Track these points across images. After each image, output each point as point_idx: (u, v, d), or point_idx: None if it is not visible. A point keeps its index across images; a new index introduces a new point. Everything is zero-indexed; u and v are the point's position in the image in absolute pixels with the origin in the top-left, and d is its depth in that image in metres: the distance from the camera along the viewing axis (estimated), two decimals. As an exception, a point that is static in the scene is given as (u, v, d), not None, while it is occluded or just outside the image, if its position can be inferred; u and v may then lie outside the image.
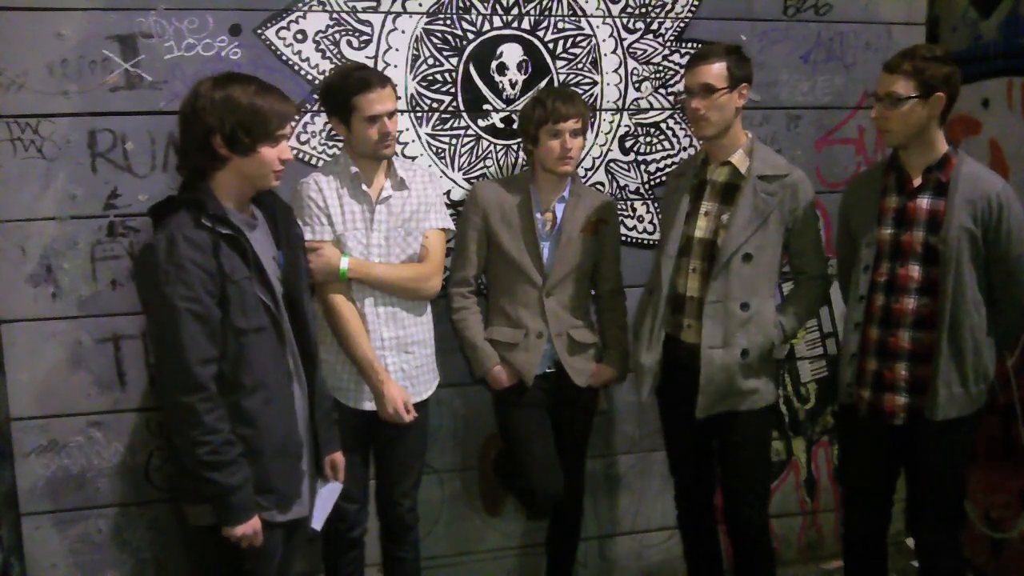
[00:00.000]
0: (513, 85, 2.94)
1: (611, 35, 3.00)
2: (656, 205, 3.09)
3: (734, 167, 2.53)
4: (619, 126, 3.05)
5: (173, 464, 2.01)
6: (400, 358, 2.53)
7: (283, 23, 2.73)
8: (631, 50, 3.03)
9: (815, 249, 2.59)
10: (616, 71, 3.02)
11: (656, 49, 3.04)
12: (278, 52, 2.73)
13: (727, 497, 2.67)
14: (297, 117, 2.09)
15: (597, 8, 2.97)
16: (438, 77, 2.88)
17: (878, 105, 2.37)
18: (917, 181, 2.41)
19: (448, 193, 2.87)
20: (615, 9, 2.99)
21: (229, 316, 1.90)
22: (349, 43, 2.79)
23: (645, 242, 3.09)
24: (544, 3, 2.92)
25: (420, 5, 2.82)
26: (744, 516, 2.62)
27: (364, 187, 2.48)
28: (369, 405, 2.51)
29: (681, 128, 3.08)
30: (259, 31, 2.71)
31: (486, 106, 2.93)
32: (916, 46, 2.41)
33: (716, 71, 2.44)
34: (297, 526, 2.12)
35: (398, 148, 2.54)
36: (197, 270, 1.85)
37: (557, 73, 2.97)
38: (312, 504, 2.18)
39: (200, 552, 2.04)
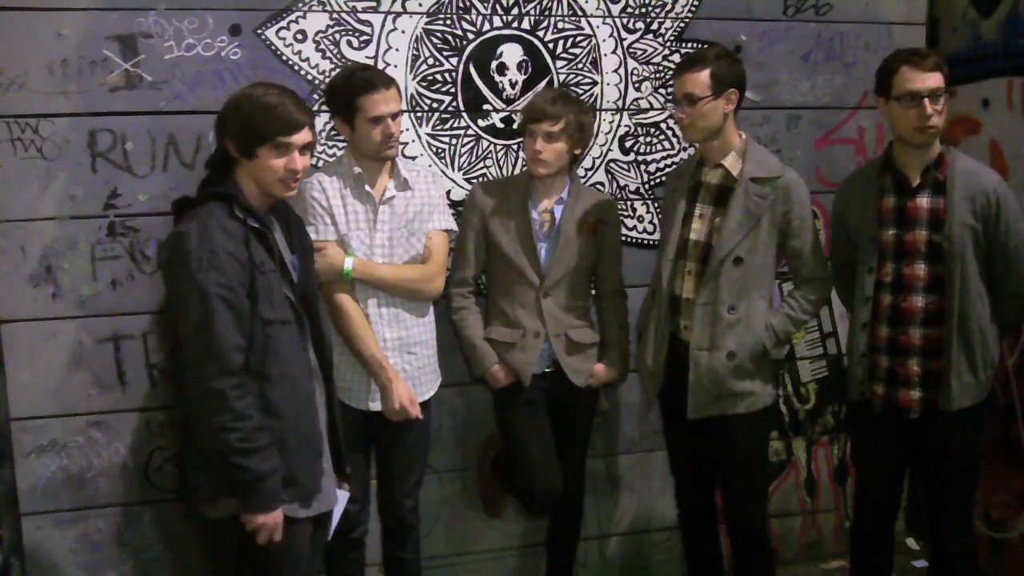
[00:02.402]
0: (513, 85, 2.94)
1: (611, 35, 3.00)
2: (656, 205, 3.09)
3: (727, 170, 2.53)
4: (619, 126, 3.05)
5: (188, 461, 2.00)
6: (403, 359, 2.53)
7: (283, 23, 2.72)
8: (631, 50, 3.03)
9: (812, 251, 2.57)
10: (616, 71, 3.02)
11: (656, 49, 3.04)
12: (278, 52, 2.73)
13: (726, 498, 2.67)
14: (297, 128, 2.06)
15: (597, 8, 2.97)
16: (438, 77, 2.88)
17: (927, 103, 2.32)
18: (916, 181, 2.42)
19: (448, 193, 2.87)
20: (615, 9, 2.99)
21: (258, 307, 1.92)
22: (349, 43, 2.79)
23: (645, 242, 3.09)
24: (544, 3, 2.92)
25: (420, 5, 2.82)
26: (743, 517, 2.62)
27: (367, 188, 2.48)
28: (374, 405, 2.51)
29: (681, 128, 3.08)
30: (259, 31, 2.71)
31: (486, 106, 2.93)
32: (921, 48, 2.43)
33: (700, 80, 2.42)
34: (320, 523, 2.13)
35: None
36: (230, 259, 1.87)
37: (557, 73, 2.97)
38: (333, 501, 2.17)
39: (222, 555, 2.03)
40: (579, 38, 2.98)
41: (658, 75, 3.05)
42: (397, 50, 2.83)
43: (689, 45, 3.05)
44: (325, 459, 2.11)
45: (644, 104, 3.06)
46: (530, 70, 2.94)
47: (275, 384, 1.95)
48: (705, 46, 2.84)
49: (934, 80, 2.33)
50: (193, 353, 1.89)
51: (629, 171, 3.08)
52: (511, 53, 2.93)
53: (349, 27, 2.78)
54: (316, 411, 2.07)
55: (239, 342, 1.89)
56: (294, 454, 1.98)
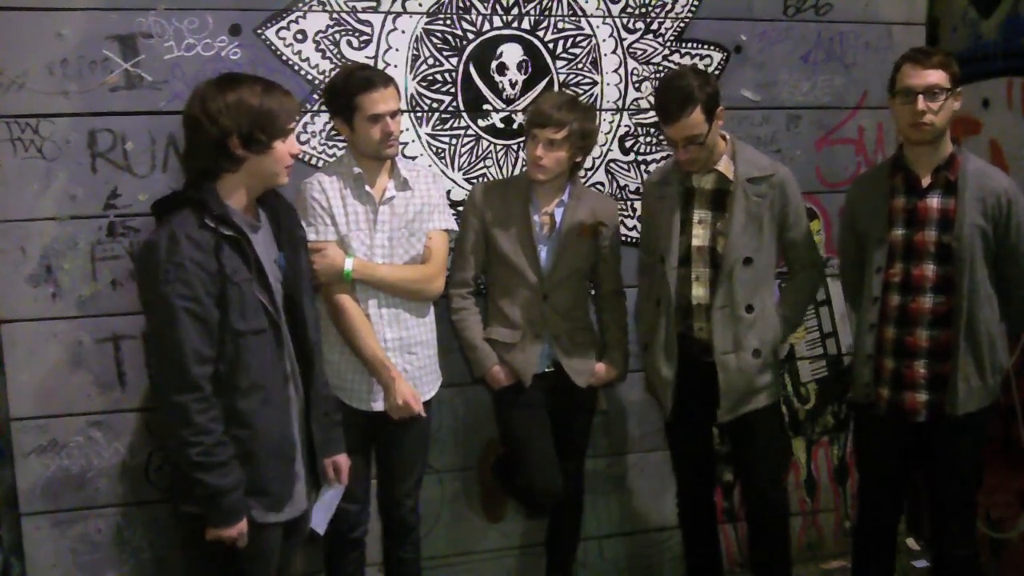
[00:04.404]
0: (513, 85, 2.94)
1: (611, 35, 3.00)
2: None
3: (721, 173, 2.53)
4: (619, 126, 3.05)
5: (170, 463, 2.03)
6: (403, 359, 2.53)
7: (283, 23, 2.72)
8: (631, 50, 3.03)
9: (805, 240, 2.63)
10: (616, 71, 3.02)
11: (656, 49, 3.04)
12: (278, 52, 2.73)
13: (749, 491, 2.71)
14: (298, 115, 2.11)
15: (597, 8, 2.97)
16: (438, 77, 2.88)
17: (920, 99, 2.33)
18: (927, 181, 2.42)
19: (448, 193, 2.87)
20: (615, 9, 2.99)
21: (228, 317, 1.89)
22: (349, 43, 2.79)
23: (645, 242, 3.09)
24: (544, 3, 2.92)
25: (420, 5, 2.82)
26: (769, 499, 2.66)
27: (367, 188, 2.48)
28: (376, 405, 2.51)
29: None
30: (259, 31, 2.71)
31: (486, 106, 2.93)
32: (928, 47, 2.43)
33: (696, 121, 2.39)
34: (295, 526, 2.11)
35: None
36: (197, 270, 1.84)
37: (557, 73, 2.97)
38: (309, 506, 2.17)
39: (195, 551, 2.03)
40: (579, 38, 2.97)
41: (658, 75, 3.05)
42: (397, 50, 2.83)
43: (689, 45, 3.05)
44: (298, 464, 2.08)
45: (644, 104, 3.06)
46: (530, 70, 2.94)
47: (244, 394, 1.93)
48: (675, 70, 2.73)
49: (934, 77, 2.33)
50: (158, 365, 1.88)
51: (629, 171, 3.08)
52: (511, 53, 2.93)
53: (349, 27, 2.78)
54: (289, 418, 2.05)
55: (205, 354, 1.86)
56: (264, 463, 1.97)
